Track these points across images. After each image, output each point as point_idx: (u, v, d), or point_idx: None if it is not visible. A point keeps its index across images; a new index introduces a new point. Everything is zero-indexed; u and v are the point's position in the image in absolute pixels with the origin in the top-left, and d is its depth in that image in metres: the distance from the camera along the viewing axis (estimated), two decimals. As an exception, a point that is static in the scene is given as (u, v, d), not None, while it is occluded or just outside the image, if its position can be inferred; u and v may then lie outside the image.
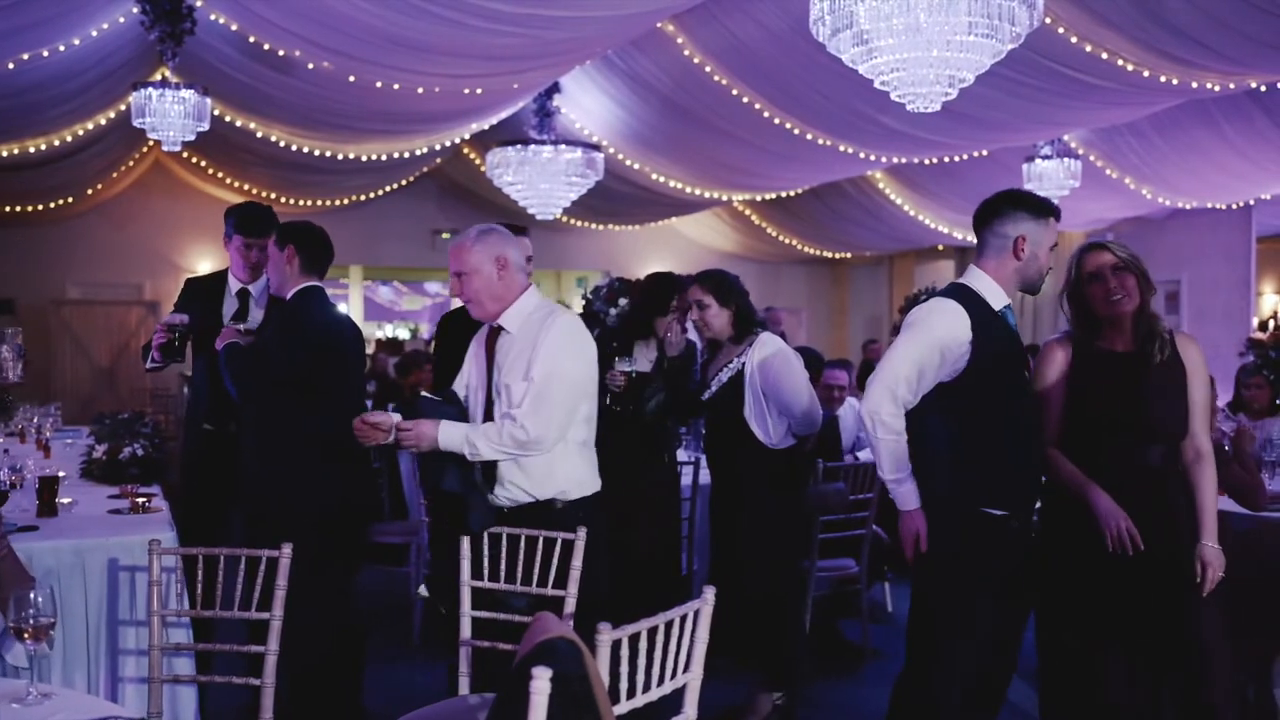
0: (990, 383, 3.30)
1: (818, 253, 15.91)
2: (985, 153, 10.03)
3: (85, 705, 2.22)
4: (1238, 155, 9.59)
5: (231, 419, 4.44)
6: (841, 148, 9.44)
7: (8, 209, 11.82)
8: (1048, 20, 5.91)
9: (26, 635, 2.26)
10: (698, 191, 11.85)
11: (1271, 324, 11.44)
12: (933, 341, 3.28)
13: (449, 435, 3.28)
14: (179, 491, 4.83)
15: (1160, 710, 3.27)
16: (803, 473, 4.73)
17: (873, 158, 9.95)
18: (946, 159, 10.36)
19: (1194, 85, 7.13)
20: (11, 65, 6.72)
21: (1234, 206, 11.79)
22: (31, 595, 2.27)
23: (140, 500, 4.35)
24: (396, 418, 3.35)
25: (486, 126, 10.06)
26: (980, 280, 3.39)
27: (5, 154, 9.30)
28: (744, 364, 4.45)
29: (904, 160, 10.32)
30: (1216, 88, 7.27)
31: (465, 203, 14.02)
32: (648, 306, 4.83)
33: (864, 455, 6.01)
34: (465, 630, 3.32)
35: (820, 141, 9.24)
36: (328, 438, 3.94)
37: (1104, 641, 3.28)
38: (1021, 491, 3.36)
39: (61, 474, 4.59)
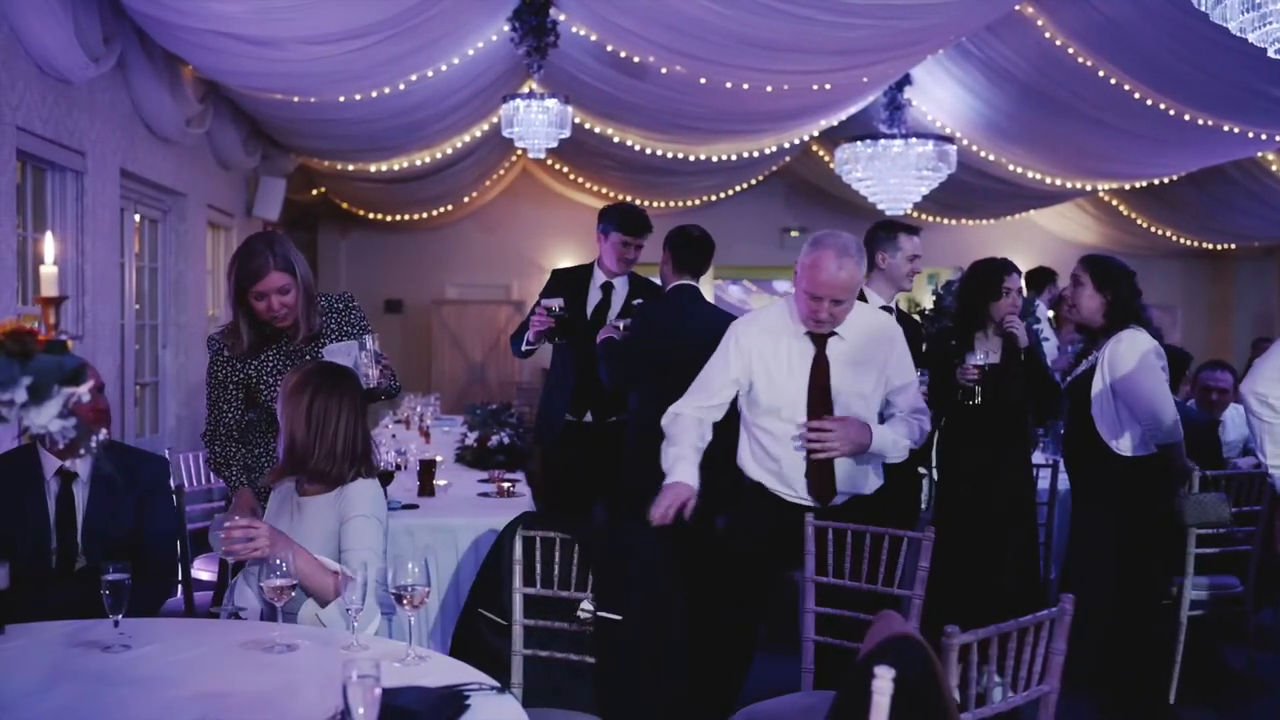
0: None
1: (1195, 244, 14.58)
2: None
3: (455, 670, 2.38)
4: None
5: (589, 408, 4.70)
6: (1226, 127, 8.60)
7: (396, 218, 13.04)
8: None
9: (405, 602, 2.47)
10: (1059, 182, 11.19)
11: None
12: None
13: (882, 436, 3.52)
14: (538, 478, 5.15)
15: None
16: (1156, 485, 4.31)
17: (1264, 136, 8.99)
18: (1356, 135, 9.20)
19: None
20: (402, 86, 7.38)
21: None
22: (410, 566, 2.47)
23: (506, 485, 4.67)
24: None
25: (835, 123, 9.98)
26: None
27: (396, 167, 10.25)
28: (1099, 357, 4.19)
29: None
30: None
31: (814, 200, 14.00)
32: (977, 295, 4.64)
33: (1246, 463, 5.45)
34: (809, 627, 3.30)
35: (1200, 122, 8.47)
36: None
37: None
38: None
39: (439, 458, 5.01)
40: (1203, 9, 5.06)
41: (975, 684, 2.10)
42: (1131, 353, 4.11)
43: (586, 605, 3.23)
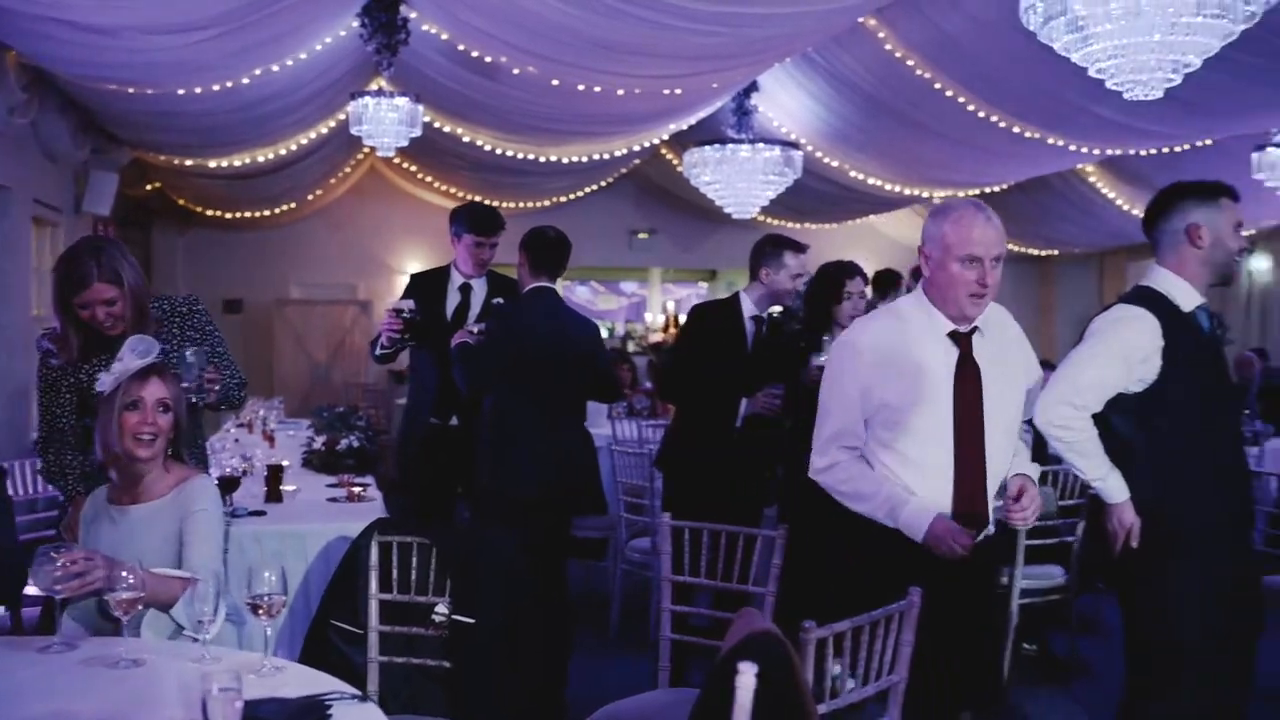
0: (1183, 390, 3.10)
1: (1022, 250, 15.33)
2: (1209, 142, 9.45)
3: (314, 680, 2.34)
4: None
5: (455, 412, 4.69)
6: (1051, 140, 9.08)
7: (237, 215, 12.64)
8: (1285, -3, 5.50)
9: (261, 612, 2.41)
10: (898, 189, 11.61)
11: None
12: (1116, 353, 3.11)
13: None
14: (399, 482, 5.09)
15: None
16: None
17: (1084, 150, 9.52)
18: (1166, 149, 9.82)
19: None
20: (246, 80, 7.17)
21: None
22: (266, 575, 2.42)
23: (356, 489, 4.60)
24: None
25: (685, 127, 10.13)
26: (1166, 280, 3.18)
27: (237, 163, 9.94)
28: None
29: (1119, 152, 9.82)
30: None
31: (662, 203, 14.16)
32: (822, 297, 4.77)
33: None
34: (665, 625, 3.35)
35: (1028, 134, 8.91)
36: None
37: None
38: (1221, 500, 3.15)
39: (285, 463, 4.89)
40: (1031, 28, 5.35)
41: (829, 676, 2.19)
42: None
43: (441, 609, 3.21)
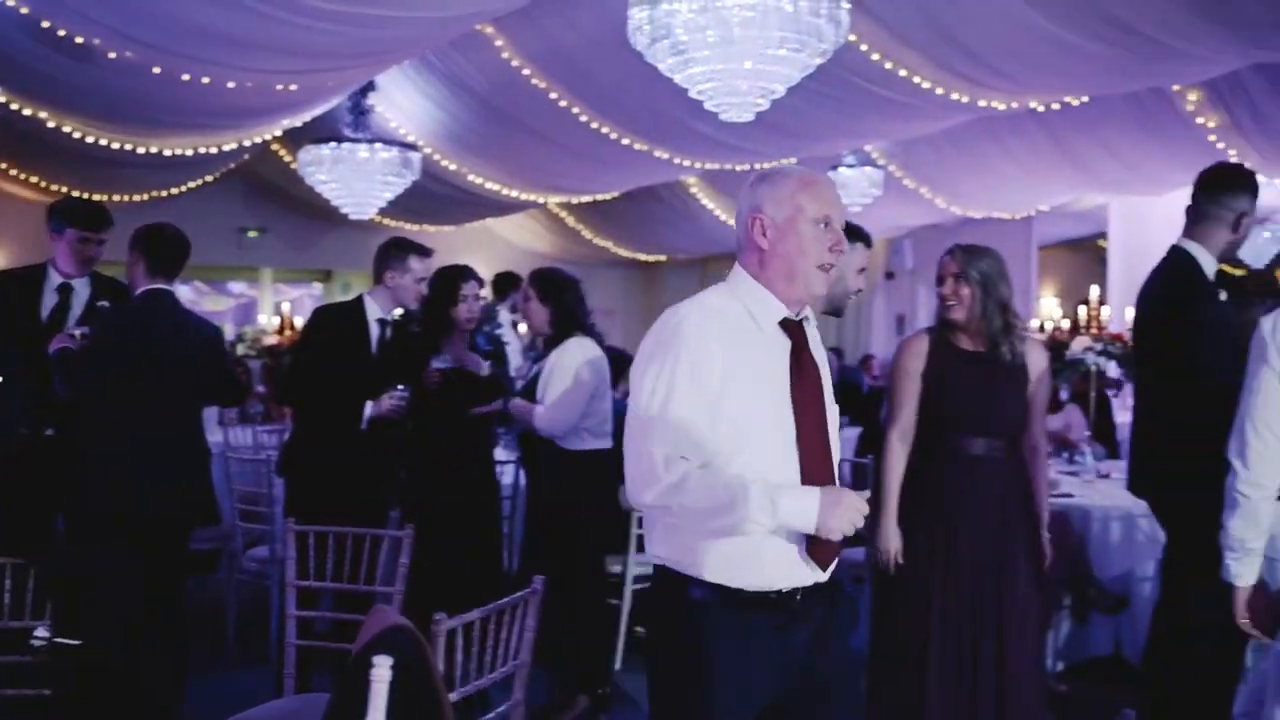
0: None
1: (632, 255, 16.17)
2: (794, 160, 10.43)
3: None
4: (1021, 170, 10.28)
5: (52, 422, 4.32)
6: (657, 153, 9.65)
7: None
8: (852, 38, 6.21)
9: None
10: (514, 194, 11.87)
11: (1051, 324, 12.30)
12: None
13: None
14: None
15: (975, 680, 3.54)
16: (606, 474, 4.81)
17: (686, 163, 10.20)
18: (756, 165, 10.72)
19: (982, 104, 7.62)
20: None
21: (1017, 217, 12.61)
22: None
23: (-70, 509, 4.14)
24: None
25: (299, 124, 9.84)
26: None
27: None
28: (543, 365, 4.64)
29: (717, 166, 10.61)
30: (1003, 106, 7.79)
31: (275, 201, 13.65)
32: (439, 301, 4.84)
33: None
34: (291, 633, 3.30)
35: (636, 146, 9.42)
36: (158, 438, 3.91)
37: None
38: None
39: None
40: (639, 48, 5.71)
41: (459, 665, 2.27)
42: (565, 360, 4.57)
43: (41, 633, 2.99)
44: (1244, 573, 2.78)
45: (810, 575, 2.33)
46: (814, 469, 2.32)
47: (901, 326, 14.43)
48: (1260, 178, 3.90)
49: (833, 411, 2.44)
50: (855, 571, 5.09)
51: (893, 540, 3.59)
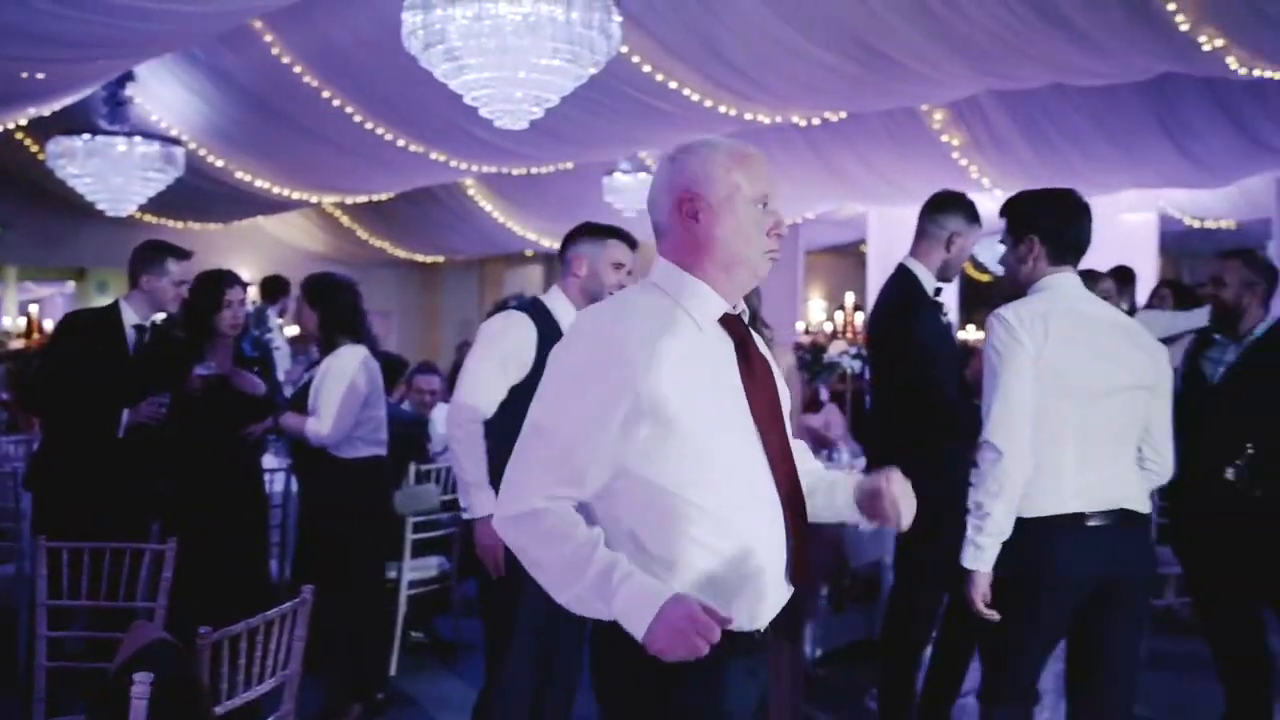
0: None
1: (409, 256, 15.97)
2: (570, 166, 10.57)
3: None
4: (786, 179, 10.75)
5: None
6: (433, 155, 9.60)
7: None
8: (624, 49, 6.38)
9: None
10: (285, 192, 11.54)
11: (813, 328, 12.93)
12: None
13: None
14: None
15: None
16: (380, 482, 4.83)
17: (463, 166, 10.19)
18: (533, 170, 10.81)
19: (749, 116, 7.96)
20: None
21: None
22: None
23: None
24: None
25: (48, 113, 9.27)
26: (556, 298, 3.66)
27: None
28: (314, 373, 4.61)
29: (494, 169, 10.63)
30: (768, 120, 8.16)
31: (21, 195, 12.74)
32: (202, 306, 4.72)
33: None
34: (41, 654, 3.17)
35: (412, 148, 9.34)
36: None
37: None
38: None
39: None
40: (413, 53, 5.69)
41: (225, 678, 2.25)
42: (337, 367, 4.55)
43: None
44: (990, 558, 2.95)
45: (778, 604, 2.04)
46: (786, 484, 2.03)
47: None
48: (998, 191, 4.26)
49: (788, 409, 2.15)
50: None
51: None
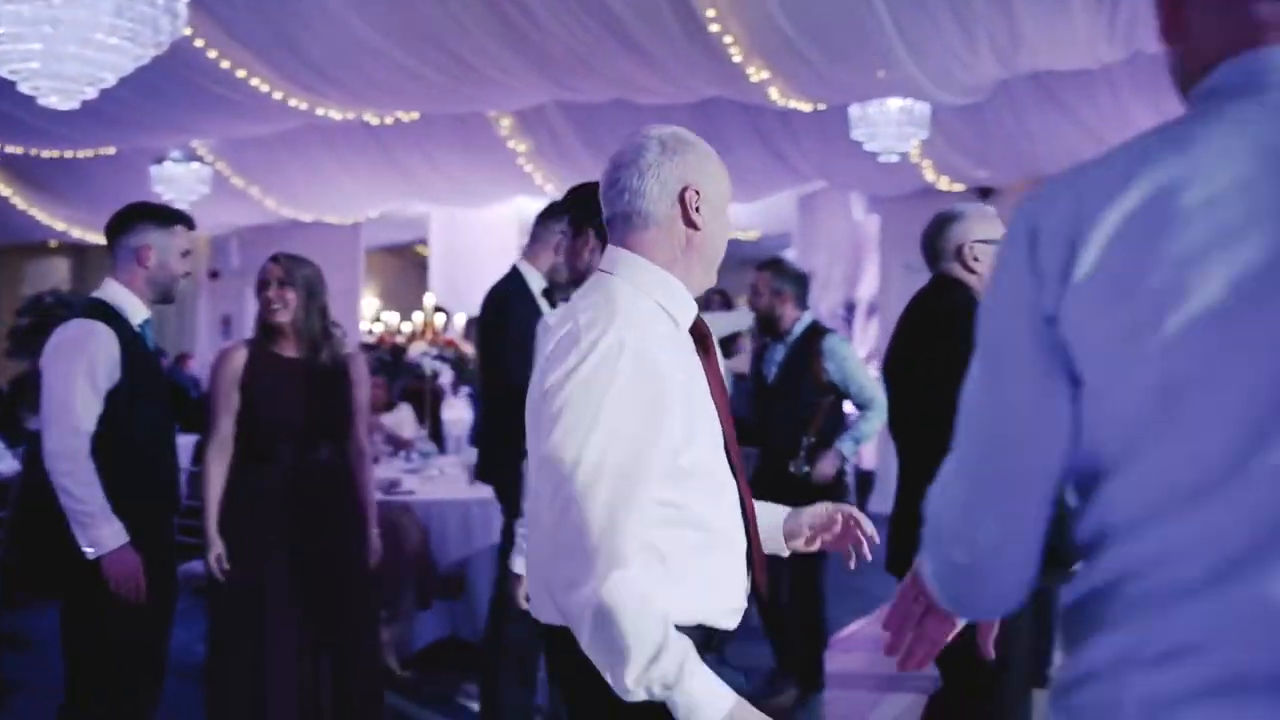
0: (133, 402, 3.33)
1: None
2: (113, 151, 9.73)
3: None
4: (353, 177, 10.59)
5: None
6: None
7: None
8: (188, 32, 5.98)
9: None
10: None
11: (383, 328, 12.84)
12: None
13: None
14: None
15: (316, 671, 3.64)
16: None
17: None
18: (67, 154, 9.83)
19: (320, 112, 7.75)
20: None
21: (347, 222, 12.97)
22: None
23: None
24: None
25: None
26: (116, 292, 3.40)
27: None
28: None
29: (20, 151, 9.55)
30: (339, 116, 7.99)
31: None
32: None
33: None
34: None
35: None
36: None
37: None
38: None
39: None
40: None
41: None
42: None
43: None
44: None
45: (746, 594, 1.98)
46: (744, 491, 1.98)
47: (228, 327, 14.08)
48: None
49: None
50: (196, 583, 4.96)
51: (215, 545, 3.58)
